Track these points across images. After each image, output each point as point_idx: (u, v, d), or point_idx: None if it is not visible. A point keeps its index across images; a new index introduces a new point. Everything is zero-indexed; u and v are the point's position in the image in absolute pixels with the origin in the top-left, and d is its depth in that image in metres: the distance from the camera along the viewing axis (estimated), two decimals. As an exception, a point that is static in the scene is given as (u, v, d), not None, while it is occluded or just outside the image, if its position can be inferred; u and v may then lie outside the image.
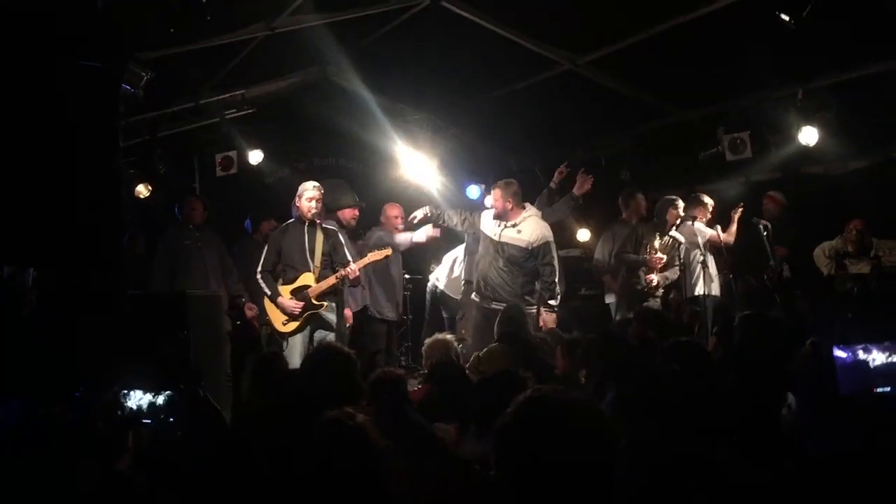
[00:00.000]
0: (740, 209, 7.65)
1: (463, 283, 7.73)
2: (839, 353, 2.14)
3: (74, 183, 4.63)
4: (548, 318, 6.60)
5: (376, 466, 2.21)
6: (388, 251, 6.92)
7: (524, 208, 6.83)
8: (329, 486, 2.16)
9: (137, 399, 2.48)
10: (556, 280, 6.73)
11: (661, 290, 7.36)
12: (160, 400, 2.49)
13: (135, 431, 2.42)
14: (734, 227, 7.62)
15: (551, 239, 6.78)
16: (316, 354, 4.07)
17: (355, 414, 2.33)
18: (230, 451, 2.51)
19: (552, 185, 7.45)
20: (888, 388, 2.17)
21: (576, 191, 7.41)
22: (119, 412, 2.45)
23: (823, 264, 7.64)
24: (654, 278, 7.23)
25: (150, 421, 2.47)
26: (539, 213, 6.92)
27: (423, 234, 7.67)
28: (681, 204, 7.43)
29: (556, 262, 6.79)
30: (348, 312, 6.89)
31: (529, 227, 6.71)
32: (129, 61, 5.42)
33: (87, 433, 2.43)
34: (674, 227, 7.42)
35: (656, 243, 7.30)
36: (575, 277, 8.49)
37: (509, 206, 6.73)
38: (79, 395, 2.58)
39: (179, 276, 6.97)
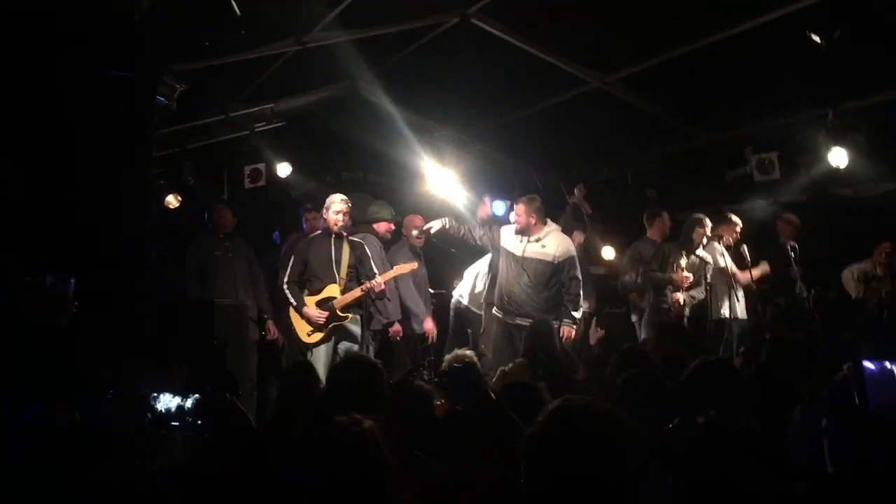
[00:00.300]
0: (767, 267, 7.62)
1: (484, 303, 7.72)
2: (868, 366, 2.11)
3: (106, 192, 4.71)
4: (569, 332, 6.64)
5: (378, 473, 2.22)
6: (415, 265, 7.02)
7: (546, 224, 6.86)
8: (331, 491, 2.16)
9: (166, 402, 2.51)
10: (581, 293, 6.79)
11: (687, 310, 7.32)
12: (188, 403, 2.52)
13: (166, 434, 2.45)
14: (757, 272, 7.55)
15: (574, 253, 6.83)
16: (343, 364, 4.09)
17: (363, 420, 2.33)
18: (255, 455, 2.53)
19: (575, 200, 7.50)
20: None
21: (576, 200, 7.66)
22: (149, 414, 2.48)
23: (852, 287, 7.56)
24: (681, 297, 7.20)
25: (178, 423, 2.50)
26: (560, 228, 6.96)
27: (423, 323, 7.68)
28: (708, 223, 7.42)
29: (580, 275, 6.83)
30: (398, 328, 7.14)
31: (554, 242, 6.75)
32: (163, 73, 5.51)
33: (100, 433, 2.45)
34: (701, 247, 7.40)
35: (682, 262, 7.29)
36: (600, 295, 8.46)
37: (532, 220, 6.77)
38: (109, 396, 2.62)
39: (208, 285, 6.93)
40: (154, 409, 2.49)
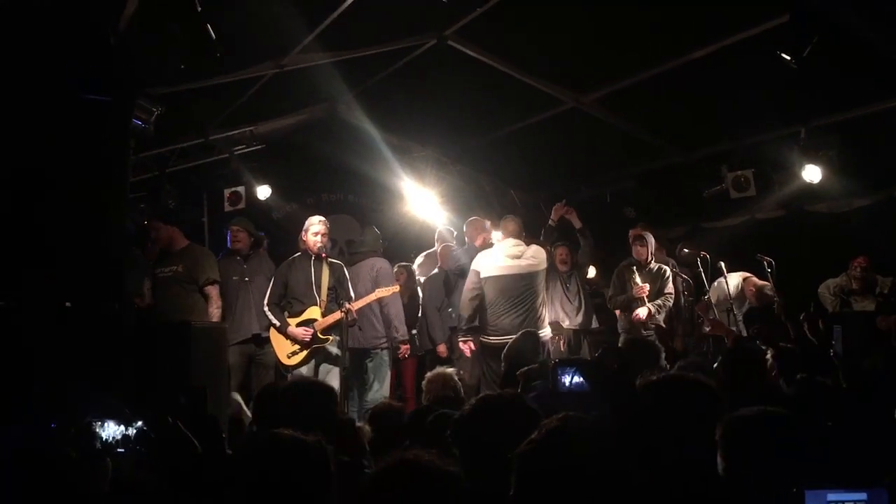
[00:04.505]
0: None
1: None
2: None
3: (82, 214, 4.69)
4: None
5: (317, 484, 2.16)
6: (396, 288, 7.00)
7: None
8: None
9: (111, 430, 2.47)
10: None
11: (661, 317, 7.35)
12: (132, 430, 2.48)
13: (113, 460, 2.41)
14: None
15: (471, 267, 6.94)
16: (293, 388, 3.92)
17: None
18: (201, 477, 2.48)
19: (551, 222, 7.52)
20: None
21: (576, 225, 7.67)
22: (93, 443, 2.44)
23: (828, 302, 7.62)
24: (644, 311, 7.24)
25: (123, 450, 2.46)
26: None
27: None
28: (651, 241, 7.61)
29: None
30: (406, 348, 7.32)
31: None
32: (139, 97, 5.52)
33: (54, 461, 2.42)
34: (651, 259, 7.55)
35: (637, 279, 7.35)
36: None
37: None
38: (54, 425, 2.59)
39: (226, 312, 6.75)
40: (98, 438, 2.46)
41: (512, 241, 6.85)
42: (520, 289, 6.69)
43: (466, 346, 6.83)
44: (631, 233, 7.76)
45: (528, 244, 6.92)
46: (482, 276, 6.78)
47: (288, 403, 3.41)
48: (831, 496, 2.08)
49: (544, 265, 6.83)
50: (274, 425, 2.40)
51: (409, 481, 1.91)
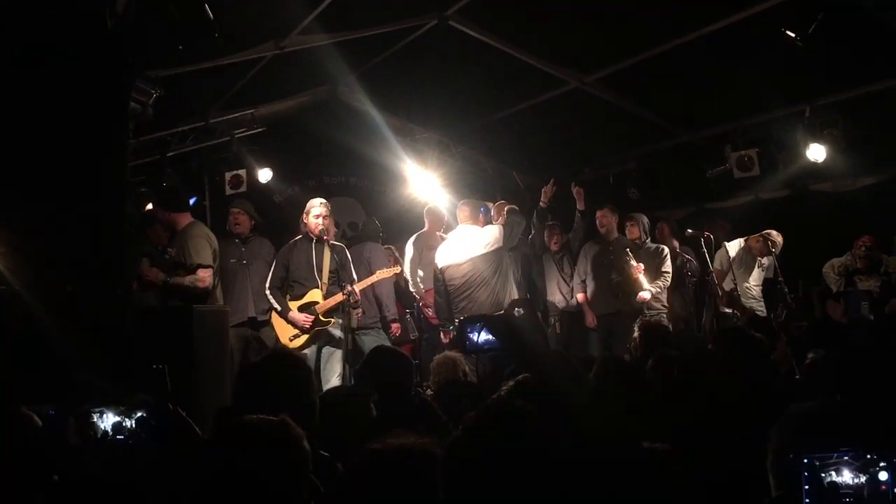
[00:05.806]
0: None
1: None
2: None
3: (81, 197, 4.67)
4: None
5: (297, 465, 2.13)
6: (397, 269, 7.00)
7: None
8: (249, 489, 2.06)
9: (110, 419, 2.46)
10: None
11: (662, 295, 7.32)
12: (132, 419, 2.46)
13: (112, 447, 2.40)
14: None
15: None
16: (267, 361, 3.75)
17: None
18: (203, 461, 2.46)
19: (542, 203, 7.46)
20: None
21: (580, 206, 7.59)
22: (91, 432, 2.43)
23: (833, 281, 7.60)
24: (647, 294, 7.15)
25: (122, 437, 2.45)
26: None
27: None
28: (644, 221, 7.60)
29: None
30: (397, 326, 7.32)
31: None
32: (138, 79, 5.47)
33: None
34: (644, 239, 7.54)
35: (632, 262, 7.24)
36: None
37: None
38: (52, 412, 2.58)
39: (224, 295, 6.62)
40: (97, 426, 2.45)
41: (463, 227, 6.85)
42: (469, 273, 6.65)
43: (447, 337, 6.85)
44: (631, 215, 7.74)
45: (496, 220, 6.96)
46: (440, 267, 6.82)
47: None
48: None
49: (497, 245, 6.69)
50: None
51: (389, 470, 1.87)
